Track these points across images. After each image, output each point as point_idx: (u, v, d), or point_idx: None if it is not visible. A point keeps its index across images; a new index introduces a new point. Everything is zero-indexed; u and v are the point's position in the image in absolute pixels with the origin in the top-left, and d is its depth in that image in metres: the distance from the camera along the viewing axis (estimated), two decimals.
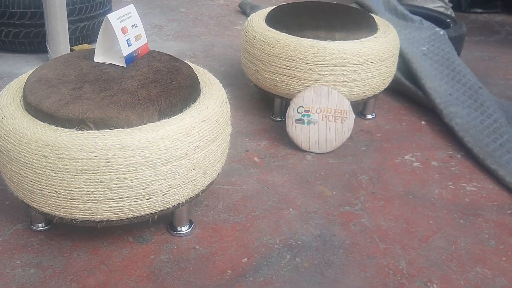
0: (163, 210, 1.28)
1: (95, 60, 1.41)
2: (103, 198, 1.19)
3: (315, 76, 1.85)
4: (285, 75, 1.89)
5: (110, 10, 2.87)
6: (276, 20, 1.97)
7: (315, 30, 1.86)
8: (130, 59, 1.40)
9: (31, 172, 1.18)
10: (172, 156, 1.21)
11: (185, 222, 1.42)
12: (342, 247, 1.40)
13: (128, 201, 1.21)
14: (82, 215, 1.22)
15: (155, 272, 1.28)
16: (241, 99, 2.21)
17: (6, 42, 2.51)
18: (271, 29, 1.93)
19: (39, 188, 1.20)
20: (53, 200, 1.20)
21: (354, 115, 1.85)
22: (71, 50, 2.52)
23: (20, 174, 1.21)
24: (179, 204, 1.31)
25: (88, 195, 1.18)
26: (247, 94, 2.25)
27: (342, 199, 1.59)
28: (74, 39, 2.59)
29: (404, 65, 2.29)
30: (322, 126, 1.81)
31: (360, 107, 2.12)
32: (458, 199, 1.62)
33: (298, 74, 1.86)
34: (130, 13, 1.43)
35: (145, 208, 1.25)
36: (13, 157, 1.19)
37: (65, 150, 1.14)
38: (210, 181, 1.38)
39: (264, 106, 2.14)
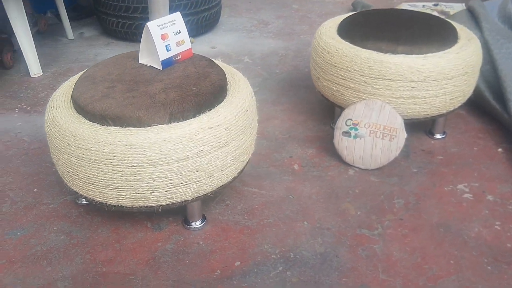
0: (167, 204, 1.40)
1: (140, 62, 1.58)
2: (112, 186, 1.35)
3: (369, 89, 1.79)
4: (340, 85, 1.86)
5: (219, 5, 3.06)
6: (346, 27, 1.93)
7: (378, 41, 1.79)
8: (167, 63, 1.53)
9: (61, 156, 1.39)
10: (173, 157, 1.32)
11: (197, 218, 1.53)
12: (339, 269, 1.37)
13: (134, 192, 1.36)
14: (97, 197, 1.40)
15: (155, 258, 1.41)
16: (309, 103, 2.22)
17: (122, 32, 2.86)
18: (336, 37, 1.91)
19: (67, 170, 1.41)
20: (76, 181, 1.41)
21: (405, 134, 1.74)
22: None
23: (55, 156, 1.43)
24: (185, 201, 1.42)
25: (100, 182, 1.36)
26: (318, 99, 2.25)
27: (363, 221, 1.54)
28: None
29: (496, 82, 2.06)
30: (368, 141, 1.75)
31: (428, 125, 1.98)
32: (499, 242, 1.45)
33: (352, 86, 1.82)
34: (174, 20, 1.56)
35: (149, 201, 1.38)
36: (51, 142, 1.42)
37: (82, 141, 1.32)
38: (220, 184, 1.46)
39: (329, 113, 2.12)
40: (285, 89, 2.37)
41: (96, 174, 1.35)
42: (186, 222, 1.53)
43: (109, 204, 1.41)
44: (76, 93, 1.44)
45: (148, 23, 1.49)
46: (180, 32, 1.58)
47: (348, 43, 1.85)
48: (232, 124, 1.41)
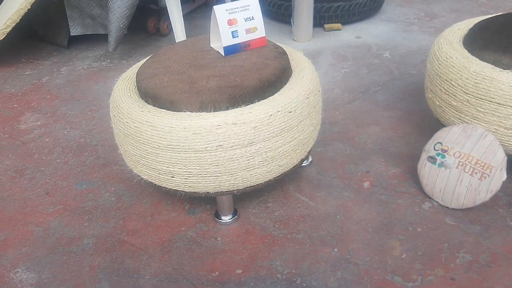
0: (189, 192, 1.39)
1: (210, 45, 1.56)
2: (141, 162, 1.40)
3: (472, 112, 1.44)
4: (443, 100, 1.54)
5: None
6: (475, 32, 1.58)
7: (499, 53, 1.42)
8: (231, 49, 1.48)
9: (118, 132, 1.47)
10: (191, 147, 1.29)
11: (226, 212, 1.48)
12: None
13: (157, 172, 1.38)
14: (134, 169, 1.46)
15: (171, 241, 1.43)
16: (425, 115, 1.90)
17: (273, 12, 2.87)
18: (457, 42, 1.57)
19: (121, 143, 1.50)
20: (121, 150, 1.49)
21: (505, 176, 1.36)
22: (324, 27, 2.66)
23: (117, 132, 1.53)
24: (207, 192, 1.39)
25: (133, 156, 1.41)
26: None
27: (402, 267, 1.28)
28: (328, 17, 2.70)
29: None
30: (454, 174, 1.43)
31: None
32: None
33: (454, 104, 1.49)
34: (248, 5, 1.49)
35: (171, 184, 1.38)
36: (113, 121, 1.51)
37: (121, 114, 1.38)
38: (247, 185, 1.38)
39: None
40: (408, 94, 2.07)
41: (130, 148, 1.40)
42: (216, 214, 1.50)
43: (141, 178, 1.46)
44: (140, 69, 1.51)
45: (215, 7, 1.45)
46: (252, 19, 1.50)
47: (465, 51, 1.50)
48: (264, 124, 1.30)
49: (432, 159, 1.48)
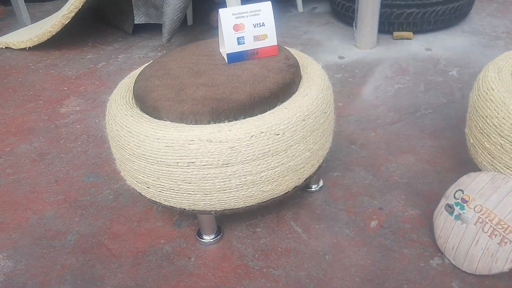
0: (166, 205, 1.30)
1: (220, 50, 1.45)
2: (123, 167, 1.34)
3: (506, 159, 1.18)
4: (477, 139, 1.29)
5: (464, 1, 2.48)
6: None
7: None
8: (235, 57, 1.36)
9: (107, 132, 1.44)
10: (163, 160, 1.20)
11: (207, 232, 1.37)
12: None
13: (135, 180, 1.31)
14: (121, 174, 1.41)
15: (145, 253, 1.35)
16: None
17: (341, 13, 2.66)
18: (504, 72, 1.30)
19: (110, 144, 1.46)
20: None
21: None
22: (393, 35, 2.42)
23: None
24: (184, 208, 1.29)
25: (116, 158, 1.36)
26: None
27: None
28: (398, 25, 2.44)
29: None
30: (470, 231, 1.18)
31: None
32: None
33: (488, 146, 1.23)
34: (259, 10, 1.36)
35: (148, 194, 1.31)
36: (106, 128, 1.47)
37: (111, 119, 1.31)
38: (224, 207, 1.26)
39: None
40: (463, 121, 1.78)
41: (114, 151, 1.35)
42: (198, 232, 1.40)
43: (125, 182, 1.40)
44: (144, 68, 1.45)
45: (221, 10, 1.34)
46: (263, 25, 1.36)
47: (500, 82, 1.24)
48: (243, 146, 1.17)
49: (449, 208, 1.24)
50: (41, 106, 2.19)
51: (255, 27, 1.35)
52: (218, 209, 1.27)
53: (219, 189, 1.22)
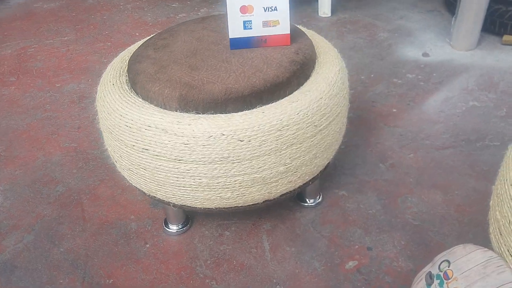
0: (133, 185, 1.24)
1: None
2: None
3: (510, 242, 0.90)
4: (495, 202, 1.00)
5: None
6: None
7: None
8: (239, 43, 1.19)
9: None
10: (122, 139, 1.12)
11: (172, 221, 1.30)
12: None
13: (110, 148, 1.26)
14: None
15: (110, 225, 1.32)
16: None
17: (453, 5, 2.26)
18: None
19: None
20: None
21: None
22: (502, 39, 2.02)
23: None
24: (144, 193, 1.22)
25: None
26: None
27: None
28: (511, 27, 2.01)
29: None
30: None
31: None
32: None
33: (499, 217, 0.95)
34: None
35: (119, 168, 1.25)
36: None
37: (99, 88, 1.25)
38: (181, 203, 1.16)
39: None
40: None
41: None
42: (165, 220, 1.32)
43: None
44: (153, 35, 1.36)
45: None
46: (275, 9, 1.18)
47: None
48: (199, 145, 1.04)
49: (429, 279, 1.00)
50: (107, 48, 2.23)
51: (265, 10, 1.17)
52: (176, 203, 1.17)
53: (172, 184, 1.12)
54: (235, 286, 1.13)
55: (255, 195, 1.13)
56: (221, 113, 1.08)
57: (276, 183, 1.13)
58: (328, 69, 1.20)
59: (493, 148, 1.49)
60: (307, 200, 1.35)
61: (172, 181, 1.11)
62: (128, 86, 1.19)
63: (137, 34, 2.34)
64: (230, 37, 1.18)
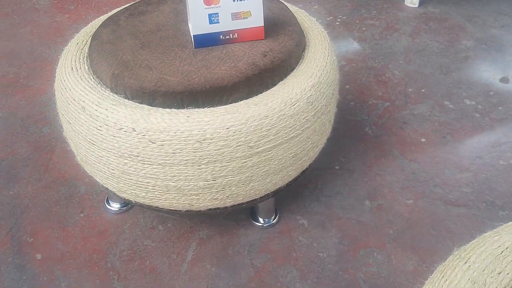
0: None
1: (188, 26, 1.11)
2: None
3: None
4: None
5: None
6: None
7: None
8: (204, 40, 1.01)
9: None
10: (67, 115, 1.04)
11: (113, 199, 1.23)
12: None
13: None
14: None
15: (62, 181, 1.30)
16: None
17: None
18: None
19: None
20: None
21: None
22: None
23: None
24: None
25: None
26: None
27: None
28: None
29: None
30: None
31: None
32: None
33: None
34: None
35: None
36: None
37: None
38: (109, 187, 1.08)
39: None
40: None
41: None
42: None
43: None
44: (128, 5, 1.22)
45: None
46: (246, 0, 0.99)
47: None
48: (110, 135, 0.94)
49: None
50: None
51: (234, 0, 0.98)
52: (102, 185, 1.10)
53: (92, 165, 1.05)
54: (138, 284, 1.05)
55: (172, 202, 1.01)
56: (148, 104, 0.95)
57: (197, 197, 1.00)
58: (300, 81, 1.00)
59: None
60: (259, 218, 1.19)
61: (90, 162, 1.04)
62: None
63: None
64: (192, 34, 1.01)
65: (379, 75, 1.65)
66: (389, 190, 1.26)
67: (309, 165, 1.13)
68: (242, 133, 0.92)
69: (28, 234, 1.17)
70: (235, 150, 0.93)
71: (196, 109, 0.94)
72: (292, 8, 1.24)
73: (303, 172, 1.12)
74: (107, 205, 1.23)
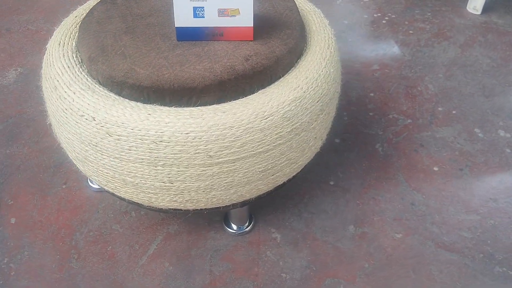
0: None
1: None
2: None
3: None
4: None
5: None
6: None
7: None
8: (187, 34, 0.95)
9: None
10: (45, 93, 1.03)
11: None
12: None
13: None
14: None
15: (48, 152, 1.32)
16: None
17: None
18: None
19: None
20: None
21: None
22: None
23: None
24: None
25: None
26: None
27: None
28: None
29: None
30: None
31: None
32: None
33: None
34: None
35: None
36: None
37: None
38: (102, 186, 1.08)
39: None
40: None
41: None
42: None
43: None
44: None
45: None
46: None
47: None
48: (73, 121, 0.92)
49: None
50: None
51: None
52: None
53: (65, 144, 1.03)
54: (87, 272, 1.05)
55: (132, 195, 0.99)
56: (117, 94, 0.92)
57: (156, 196, 0.96)
58: (281, 93, 0.92)
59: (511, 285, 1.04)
60: (232, 224, 1.14)
61: (61, 139, 1.02)
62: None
63: None
64: (176, 25, 0.95)
65: (410, 87, 1.50)
66: (379, 219, 1.16)
67: (298, 175, 1.06)
68: (202, 140, 0.86)
69: (10, 196, 1.20)
70: (193, 157, 0.88)
71: (161, 107, 0.89)
72: (308, 6, 1.14)
73: (282, 186, 1.05)
74: (89, 182, 1.23)
